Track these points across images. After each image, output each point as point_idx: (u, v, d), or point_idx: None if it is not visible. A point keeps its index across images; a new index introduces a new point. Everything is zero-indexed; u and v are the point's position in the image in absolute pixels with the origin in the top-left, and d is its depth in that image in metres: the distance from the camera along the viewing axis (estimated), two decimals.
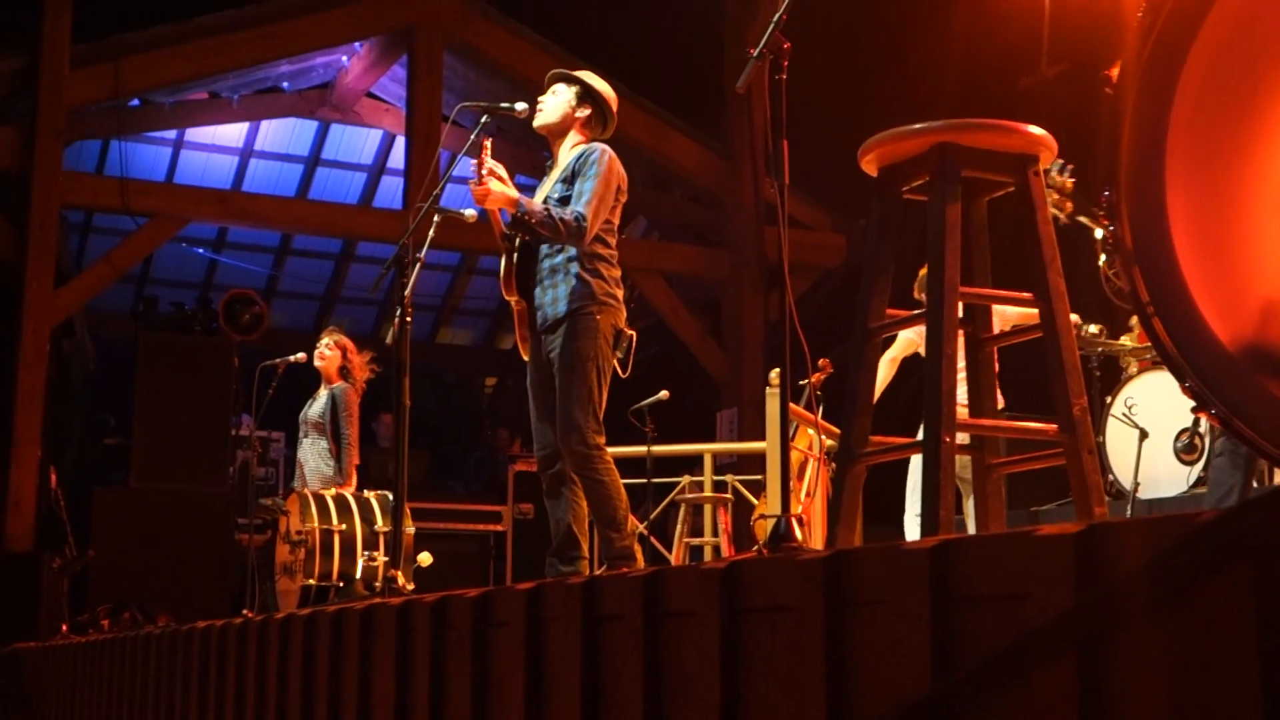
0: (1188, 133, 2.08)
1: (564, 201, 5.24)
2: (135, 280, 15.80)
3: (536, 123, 5.52)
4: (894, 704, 2.02)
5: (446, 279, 17.14)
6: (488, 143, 5.34)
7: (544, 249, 5.31)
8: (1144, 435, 7.39)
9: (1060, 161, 4.46)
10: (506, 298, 5.46)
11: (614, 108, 5.56)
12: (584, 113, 5.47)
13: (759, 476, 9.95)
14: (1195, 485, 7.22)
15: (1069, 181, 4.44)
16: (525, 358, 5.54)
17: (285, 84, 13.81)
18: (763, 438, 10.63)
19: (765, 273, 13.08)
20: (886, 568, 2.12)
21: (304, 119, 14.79)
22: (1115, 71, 2.15)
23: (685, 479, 9.50)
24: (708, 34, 13.41)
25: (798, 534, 3.44)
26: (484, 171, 5.20)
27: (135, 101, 12.81)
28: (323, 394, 8.95)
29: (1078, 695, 1.80)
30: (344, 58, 13.51)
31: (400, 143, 14.92)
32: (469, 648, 3.27)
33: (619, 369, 5.29)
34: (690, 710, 2.55)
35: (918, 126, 3.03)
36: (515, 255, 5.37)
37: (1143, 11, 2.09)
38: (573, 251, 5.23)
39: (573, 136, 5.48)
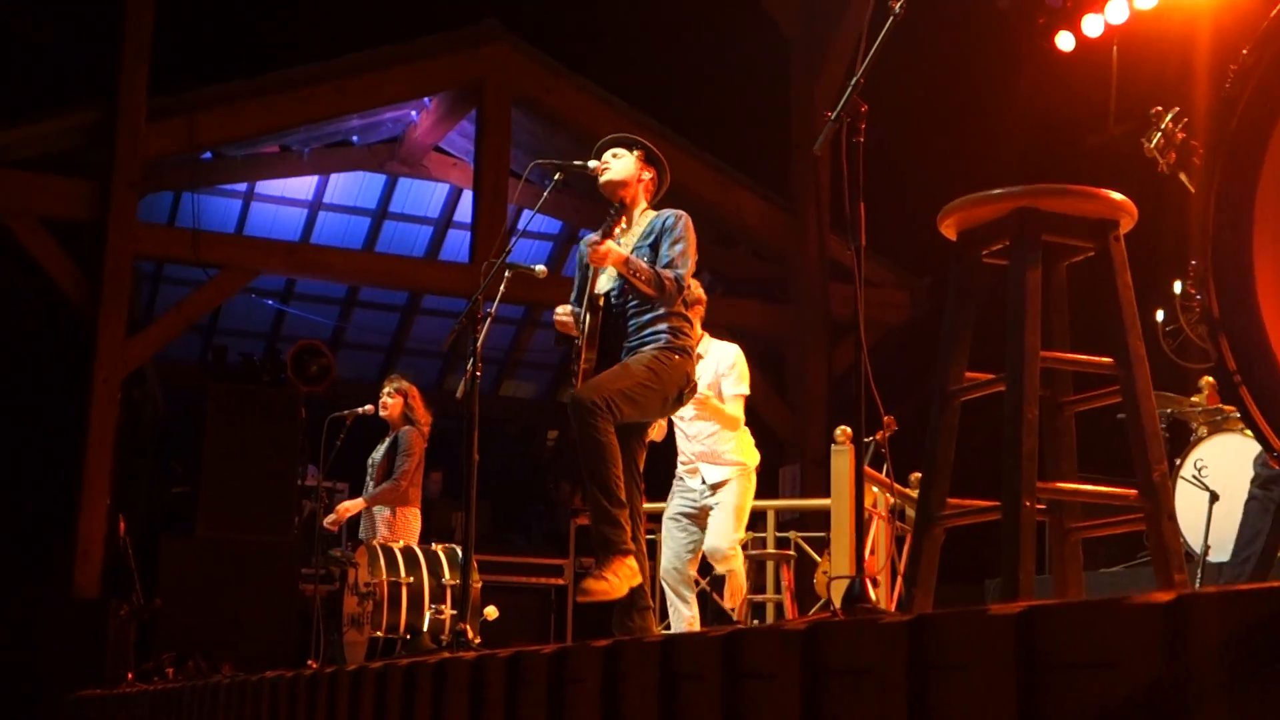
0: (1275, 203, 2.08)
1: (650, 263, 5.37)
2: (203, 330, 15.97)
3: (604, 179, 5.61)
4: None
5: (510, 332, 17.23)
6: (622, 219, 5.50)
7: (631, 309, 5.39)
8: (1214, 498, 7.31)
9: (1178, 109, 4.45)
10: (586, 353, 5.50)
11: (666, 167, 5.73)
12: (649, 175, 5.62)
13: (822, 533, 9.91)
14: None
15: (1180, 133, 4.41)
16: None
17: (355, 138, 13.98)
18: (826, 494, 10.60)
19: (830, 329, 13.08)
20: (971, 632, 2.12)
21: (372, 173, 14.95)
22: (1200, 141, 2.16)
23: (747, 535, 9.47)
24: (773, 90, 13.47)
25: (872, 594, 3.44)
26: (603, 236, 5.37)
27: (208, 154, 13.01)
28: (389, 439, 9.04)
29: None
30: (413, 112, 13.67)
31: (466, 196, 15.04)
32: (544, 704, 3.27)
33: (671, 405, 5.39)
34: None
35: (998, 192, 3.05)
36: (601, 315, 5.47)
37: (1230, 82, 2.10)
38: (662, 311, 5.35)
39: (640, 199, 5.62)
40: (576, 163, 5.74)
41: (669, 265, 5.33)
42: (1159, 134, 4.36)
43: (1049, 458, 2.98)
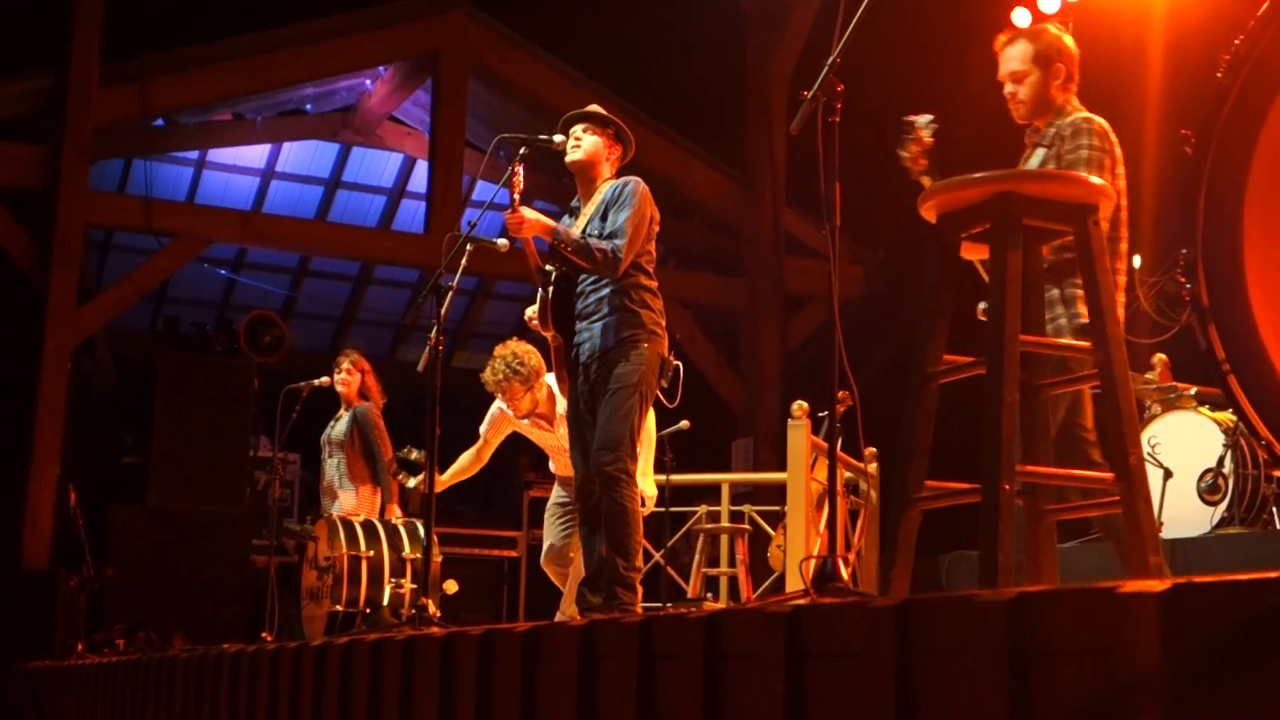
0: (1266, 192, 2.09)
1: (600, 235, 5.31)
2: (153, 299, 15.81)
3: (572, 158, 5.57)
4: None
5: (463, 303, 17.16)
6: (520, 169, 5.40)
7: (587, 284, 5.36)
8: (1168, 475, 7.39)
9: (931, 117, 4.51)
10: (543, 333, 5.50)
11: (630, 137, 5.71)
12: (616, 153, 5.60)
13: (776, 507, 9.94)
14: (1219, 526, 7.22)
15: (929, 139, 4.46)
16: (562, 395, 5.59)
17: (309, 106, 13.86)
18: (778, 468, 10.63)
19: (783, 302, 13.10)
20: (961, 618, 2.13)
21: (326, 141, 14.83)
22: (1192, 130, 2.17)
23: (702, 509, 9.48)
24: (729, 62, 13.45)
25: (844, 574, 3.45)
26: (517, 200, 5.28)
27: (159, 121, 12.87)
28: (344, 415, 8.97)
29: None
30: (368, 81, 13.57)
31: (420, 166, 14.96)
32: (518, 684, 3.27)
33: (664, 398, 5.35)
34: None
35: (979, 175, 3.06)
36: (551, 289, 5.41)
37: (1221, 73, 2.11)
38: (618, 284, 5.30)
39: (598, 174, 5.58)
40: (542, 137, 5.70)
41: (610, 235, 5.27)
42: (912, 142, 4.41)
43: (1025, 440, 3.00)
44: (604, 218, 5.37)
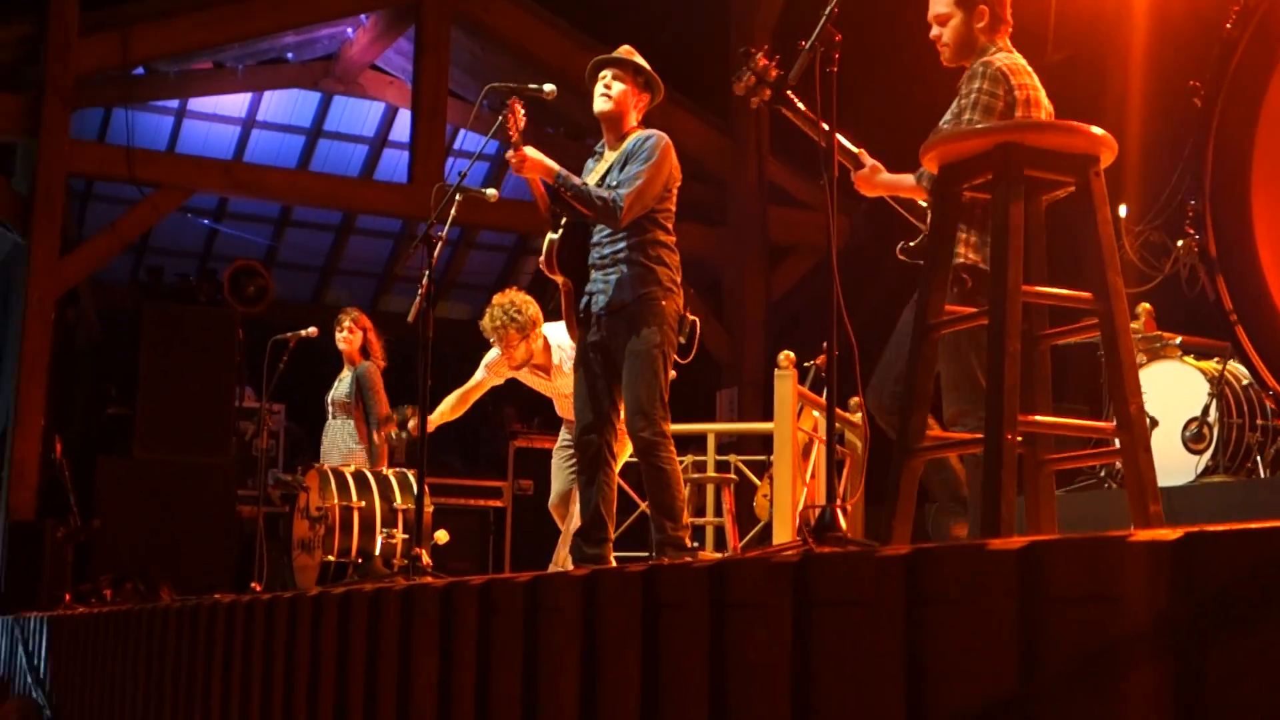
0: (1274, 145, 2.10)
1: (618, 187, 5.27)
2: (134, 249, 15.76)
3: (600, 108, 5.52)
4: (984, 700, 2.05)
5: (447, 253, 17.15)
6: (519, 107, 5.35)
7: (603, 234, 5.33)
8: (1153, 424, 7.41)
9: (767, 47, 4.52)
10: (549, 275, 5.49)
11: (660, 86, 5.60)
12: (643, 101, 5.52)
13: (761, 457, 9.98)
14: (1203, 474, 7.26)
15: (774, 70, 4.47)
16: (572, 339, 5.60)
17: (290, 55, 13.79)
18: (763, 417, 10.68)
19: (767, 253, 13.11)
20: (971, 566, 2.14)
21: (307, 90, 14.76)
22: (1201, 81, 2.17)
23: (688, 459, 9.51)
24: (714, 12, 13.39)
25: (842, 524, 3.47)
26: (517, 136, 5.24)
27: (140, 70, 12.78)
28: (347, 375, 8.96)
29: (1170, 701, 1.83)
30: (349, 30, 13.49)
31: (402, 115, 14.90)
32: (520, 634, 3.28)
33: (680, 354, 5.35)
34: (756, 702, 2.56)
35: (981, 126, 3.07)
36: (561, 233, 5.38)
37: (1231, 23, 2.11)
38: (636, 239, 5.26)
39: (626, 121, 5.52)
40: (531, 86, 5.68)
41: (618, 185, 5.23)
42: (749, 72, 4.41)
43: (1025, 390, 3.02)
44: (623, 168, 5.33)
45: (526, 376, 7.17)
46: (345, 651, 4.28)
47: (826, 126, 3.55)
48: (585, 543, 5.29)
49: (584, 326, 5.39)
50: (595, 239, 5.36)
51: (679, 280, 5.38)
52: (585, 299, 5.36)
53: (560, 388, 6.94)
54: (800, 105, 4.40)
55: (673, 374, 5.38)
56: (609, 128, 5.54)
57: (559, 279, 5.45)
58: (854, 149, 4.47)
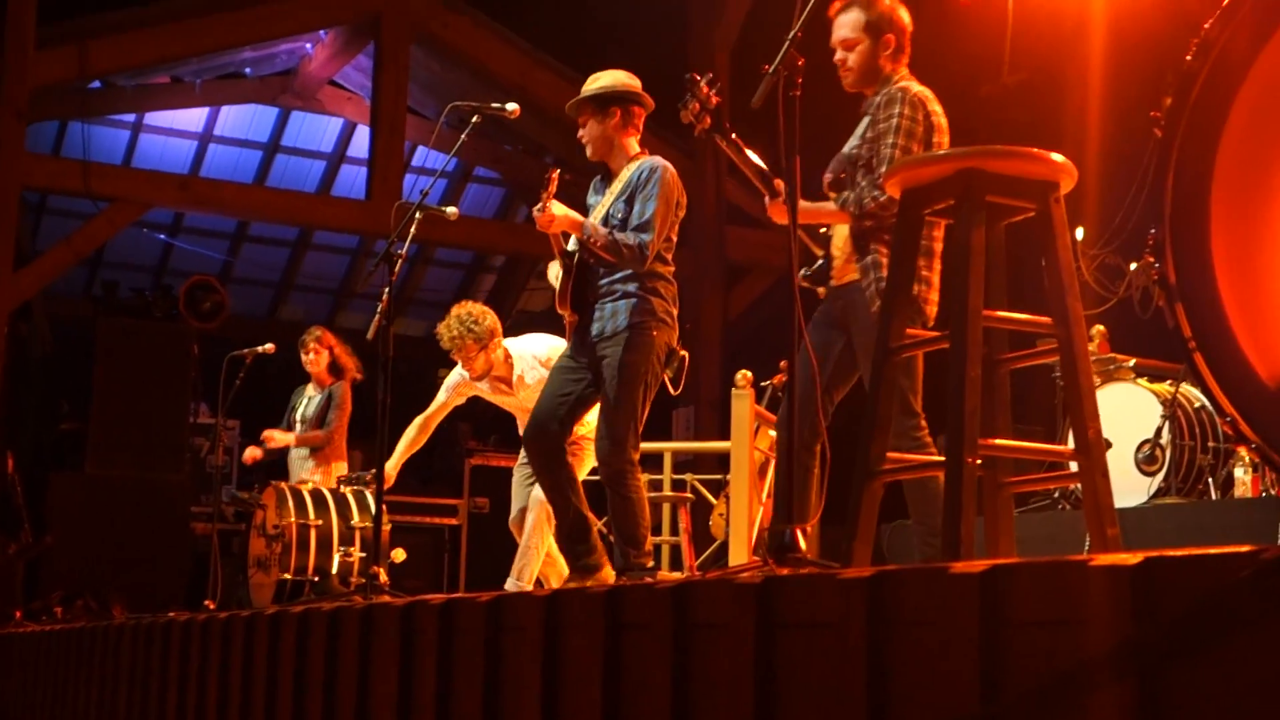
0: (1232, 174, 2.14)
1: (625, 220, 5.28)
2: (88, 263, 15.67)
3: (589, 156, 5.53)
4: None
5: (403, 270, 17.11)
6: (555, 174, 5.37)
7: (603, 269, 5.35)
8: (1107, 445, 7.48)
9: (711, 75, 4.61)
10: (560, 312, 5.51)
11: (634, 85, 5.50)
12: (613, 120, 5.43)
13: (718, 476, 10.01)
14: (1155, 495, 7.33)
15: (715, 98, 4.56)
16: None
17: (248, 70, 13.75)
18: (719, 436, 10.70)
19: (725, 272, 13.15)
20: (933, 590, 2.16)
21: (265, 105, 14.72)
22: (1162, 113, 2.21)
23: (644, 477, 9.50)
24: (672, 31, 13.44)
25: (802, 544, 3.49)
26: (548, 200, 5.25)
27: (97, 83, 12.72)
28: (315, 394, 8.93)
29: None
30: (308, 45, 13.47)
31: (360, 131, 14.88)
32: (481, 652, 3.28)
33: (669, 385, 5.37)
34: None
35: (943, 152, 3.10)
36: (574, 273, 5.41)
37: (1191, 55, 2.15)
38: (634, 270, 5.29)
39: (620, 147, 5.48)
40: (494, 105, 5.71)
41: (639, 227, 5.24)
42: (693, 99, 4.52)
43: (985, 413, 3.05)
44: (629, 200, 5.32)
45: (490, 393, 7.17)
46: (303, 671, 4.27)
47: (786, 150, 3.57)
48: (574, 559, 5.33)
49: (580, 351, 5.42)
50: (600, 272, 5.39)
51: (675, 312, 5.39)
52: (588, 328, 5.38)
53: (524, 401, 6.94)
54: (734, 137, 4.47)
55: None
56: (605, 164, 5.53)
57: (566, 313, 5.48)
58: (770, 176, 4.53)
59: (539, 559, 6.84)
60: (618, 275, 5.32)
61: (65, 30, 11.22)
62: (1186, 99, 2.15)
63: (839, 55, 4.54)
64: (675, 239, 5.45)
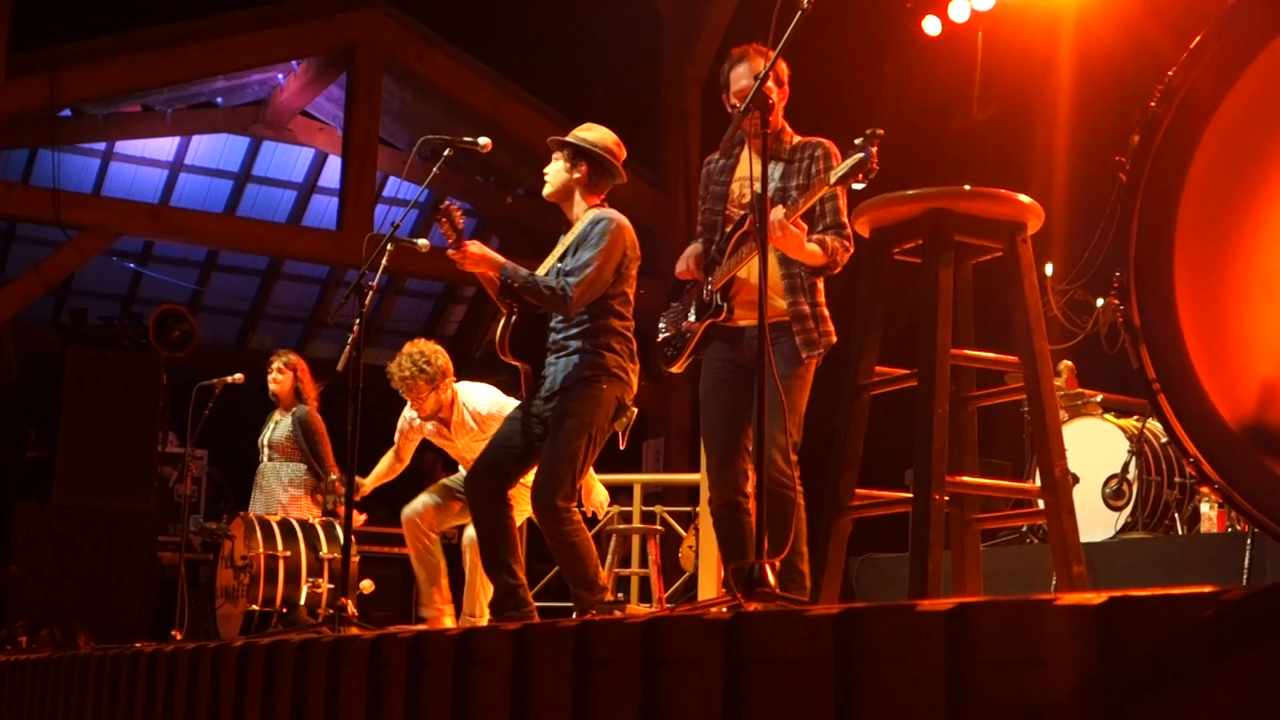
0: (1196, 218, 2.17)
1: (568, 275, 5.21)
2: (57, 291, 15.60)
3: (545, 193, 5.52)
4: None
5: (374, 300, 17.10)
6: (455, 208, 5.32)
7: (558, 320, 5.31)
8: (1074, 480, 7.52)
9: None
10: (501, 358, 5.48)
11: (617, 153, 5.47)
12: (579, 173, 5.39)
13: (687, 508, 10.03)
14: (1122, 530, 7.38)
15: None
16: None
17: (219, 99, 13.75)
18: (688, 468, 10.71)
19: None
20: (901, 627, 2.18)
21: (236, 135, 14.72)
22: (1127, 156, 2.24)
23: (614, 509, 9.52)
24: (645, 65, 13.51)
25: (771, 579, 3.51)
26: (457, 236, 5.21)
27: (67, 112, 12.70)
28: (282, 418, 8.89)
29: None
30: (280, 75, 13.48)
31: (331, 162, 14.89)
32: (449, 686, 3.29)
33: (619, 439, 5.33)
34: None
35: (912, 192, 3.13)
36: (514, 319, 5.36)
37: (1155, 101, 2.19)
38: (588, 324, 5.23)
39: (579, 200, 5.42)
40: (466, 139, 5.71)
41: (569, 272, 5.16)
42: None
43: (952, 450, 3.07)
44: (576, 252, 5.26)
45: (435, 436, 7.14)
46: (271, 704, 4.26)
47: (758, 188, 3.60)
48: (500, 612, 5.26)
49: (527, 408, 5.38)
50: (551, 323, 5.36)
51: (630, 367, 5.30)
52: (540, 381, 5.35)
53: (462, 450, 6.92)
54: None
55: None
56: (562, 209, 5.50)
57: (515, 364, 5.44)
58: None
59: (486, 590, 6.83)
60: (573, 329, 5.25)
61: (36, 59, 11.21)
62: (1151, 144, 2.19)
63: (735, 105, 4.65)
64: (630, 292, 5.36)
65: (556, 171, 5.44)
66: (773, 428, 4.26)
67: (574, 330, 5.26)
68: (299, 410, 8.74)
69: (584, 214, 5.37)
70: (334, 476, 8.38)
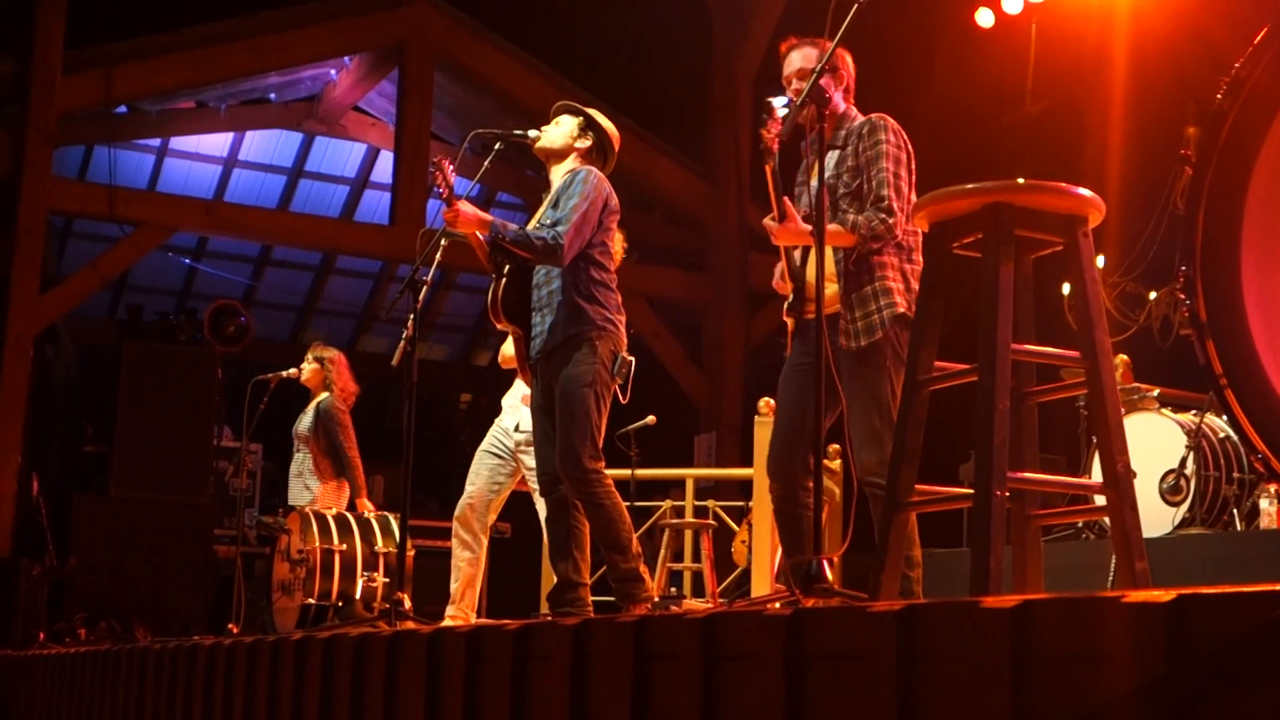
0: (1263, 211, 2.15)
1: (555, 225, 5.24)
2: (113, 286, 15.74)
3: (537, 145, 5.55)
4: None
5: (426, 294, 17.16)
6: (447, 163, 5.36)
7: (539, 276, 5.33)
8: (1132, 476, 7.47)
9: (785, 99, 4.68)
10: (495, 324, 5.50)
11: (615, 146, 5.59)
12: (584, 144, 5.49)
13: (739, 502, 10.01)
14: (1180, 526, 7.31)
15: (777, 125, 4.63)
16: (527, 385, 5.60)
17: (272, 95, 13.83)
18: (740, 463, 10.69)
19: (747, 298, 13.16)
20: (964, 624, 2.17)
21: (289, 130, 14.80)
22: (1189, 148, 2.22)
23: (667, 504, 9.52)
24: (695, 58, 13.50)
25: (829, 575, 3.50)
26: (449, 193, 5.24)
27: (122, 108, 12.81)
28: (310, 408, 8.95)
29: None
30: (332, 71, 13.54)
31: (383, 157, 14.95)
32: (507, 682, 3.29)
33: (619, 394, 5.32)
34: None
35: (971, 186, 3.11)
36: (504, 281, 5.39)
37: (1221, 94, 2.17)
38: (569, 278, 5.23)
39: (569, 162, 5.50)
40: (516, 132, 5.72)
41: (554, 222, 5.19)
42: (771, 121, 4.59)
43: (1013, 446, 3.05)
44: (556, 206, 5.30)
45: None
46: (329, 698, 4.27)
47: (815, 182, 3.59)
48: (554, 604, 5.26)
49: (531, 370, 5.40)
50: (535, 280, 5.37)
51: (616, 318, 5.30)
52: (530, 342, 5.37)
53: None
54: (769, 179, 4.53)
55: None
56: (548, 166, 5.55)
57: (507, 328, 5.46)
58: (782, 199, 4.56)
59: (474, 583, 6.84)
60: (555, 284, 5.25)
61: (91, 56, 11.32)
62: (1217, 137, 2.17)
63: (796, 85, 4.61)
64: (613, 246, 5.44)
65: (562, 132, 5.51)
66: (863, 429, 4.27)
67: (556, 284, 5.25)
68: (323, 400, 8.79)
69: (564, 174, 5.43)
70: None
